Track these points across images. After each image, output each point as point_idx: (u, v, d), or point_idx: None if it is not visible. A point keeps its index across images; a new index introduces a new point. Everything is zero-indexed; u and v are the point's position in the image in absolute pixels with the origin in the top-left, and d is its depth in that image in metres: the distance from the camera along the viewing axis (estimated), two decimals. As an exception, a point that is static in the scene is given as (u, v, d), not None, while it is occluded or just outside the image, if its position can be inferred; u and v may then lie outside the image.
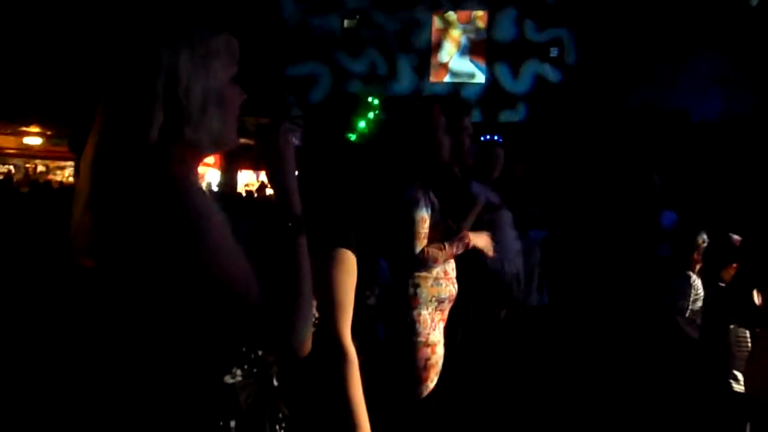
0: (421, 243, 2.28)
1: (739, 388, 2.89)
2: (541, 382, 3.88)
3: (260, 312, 1.01)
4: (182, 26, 1.08)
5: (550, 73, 12.15)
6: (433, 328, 2.30)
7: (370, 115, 1.69)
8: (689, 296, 3.50)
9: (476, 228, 2.68)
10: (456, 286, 2.40)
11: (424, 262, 2.28)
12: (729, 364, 2.92)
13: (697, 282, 3.55)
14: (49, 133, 13.82)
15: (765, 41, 9.56)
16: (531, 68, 12.22)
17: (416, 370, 2.26)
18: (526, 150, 8.33)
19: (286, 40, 12.22)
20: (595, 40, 11.31)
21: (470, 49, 12.67)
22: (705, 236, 3.71)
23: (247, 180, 13.91)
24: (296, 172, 1.18)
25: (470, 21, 12.68)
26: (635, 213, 3.82)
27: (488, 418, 3.35)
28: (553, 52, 12.06)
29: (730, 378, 2.93)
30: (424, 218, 2.28)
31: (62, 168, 14.43)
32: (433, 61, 12.72)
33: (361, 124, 1.74)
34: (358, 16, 12.47)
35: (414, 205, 2.27)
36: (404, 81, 12.42)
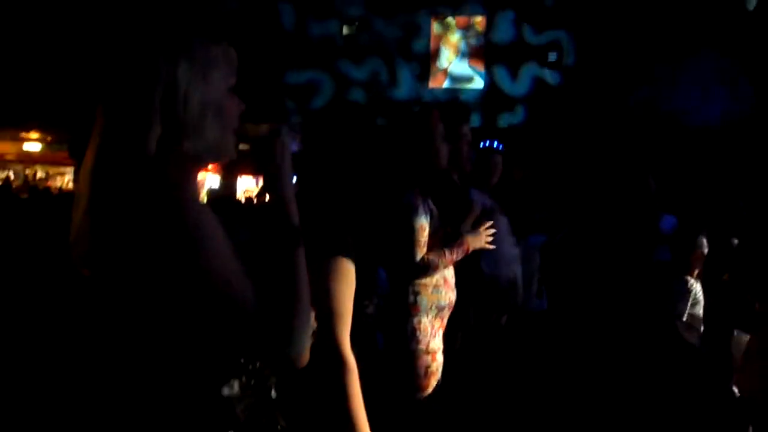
0: (421, 251, 2.28)
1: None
2: (539, 387, 3.88)
3: (258, 323, 1.01)
4: (181, 37, 1.09)
5: (549, 77, 12.17)
6: (433, 336, 2.30)
7: (367, 122, 1.70)
8: (687, 300, 3.51)
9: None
10: (455, 292, 2.40)
11: (425, 270, 2.28)
12: (733, 369, 2.92)
13: (695, 286, 3.56)
14: (49, 138, 13.84)
15: (764, 42, 9.58)
16: (530, 71, 12.24)
17: (417, 378, 2.26)
18: (525, 154, 8.34)
19: (285, 46, 12.24)
20: (594, 42, 11.33)
21: (469, 54, 12.69)
22: (704, 240, 3.72)
23: (247, 186, 13.91)
24: (294, 180, 1.19)
25: (469, 26, 12.71)
26: (630, 217, 3.83)
27: (487, 423, 3.34)
28: (552, 57, 12.07)
29: (734, 384, 2.93)
30: (423, 226, 2.28)
31: (62, 174, 14.44)
32: (432, 67, 12.75)
33: (358, 133, 1.74)
34: (357, 23, 12.50)
35: (413, 213, 2.27)
36: (403, 87, 12.44)
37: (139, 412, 1.02)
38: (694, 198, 6.44)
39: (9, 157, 14.34)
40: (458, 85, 12.69)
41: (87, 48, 9.75)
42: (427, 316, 2.29)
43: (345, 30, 12.51)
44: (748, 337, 2.87)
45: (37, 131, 13.66)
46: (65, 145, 12.60)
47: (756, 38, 9.73)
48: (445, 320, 2.38)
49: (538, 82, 12.19)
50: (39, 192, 10.68)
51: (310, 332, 1.07)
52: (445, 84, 12.77)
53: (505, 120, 12.10)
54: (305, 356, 1.05)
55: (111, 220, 1.00)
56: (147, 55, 1.06)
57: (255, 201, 10.83)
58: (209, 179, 13.36)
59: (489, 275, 3.17)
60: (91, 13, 10.43)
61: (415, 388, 2.26)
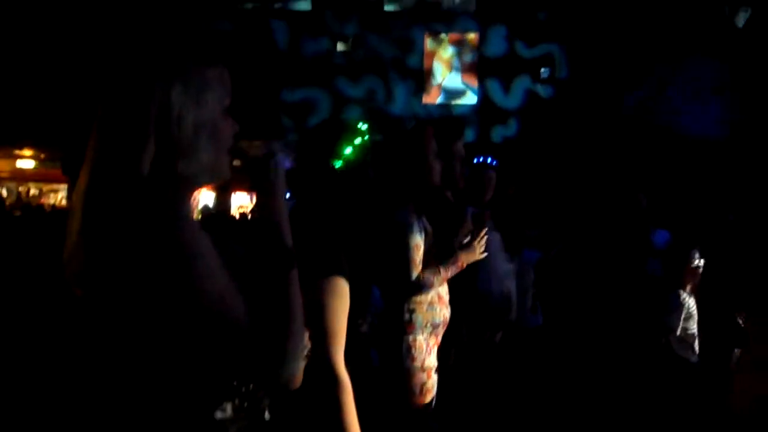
0: (417, 269, 2.28)
1: None
2: (534, 403, 3.87)
3: (251, 344, 1.01)
4: (175, 58, 1.09)
5: (542, 90, 12.26)
6: (428, 353, 2.29)
7: (357, 140, 1.69)
8: (680, 314, 3.53)
9: None
10: (449, 309, 2.40)
11: (420, 288, 2.29)
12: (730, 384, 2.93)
13: (688, 300, 3.57)
14: (42, 156, 13.81)
15: (756, 54, 9.67)
16: (522, 84, 12.33)
17: (412, 396, 2.25)
18: (519, 169, 8.37)
19: (280, 64, 12.29)
20: (586, 54, 11.42)
21: (462, 70, 12.78)
22: (697, 254, 3.73)
23: (241, 202, 13.88)
24: (287, 197, 1.19)
25: (462, 42, 12.81)
26: (622, 233, 3.86)
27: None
28: (545, 74, 12.17)
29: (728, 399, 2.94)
30: (418, 245, 2.29)
31: (55, 191, 14.39)
32: (426, 83, 12.82)
33: (348, 151, 1.75)
34: (351, 39, 12.58)
35: (408, 232, 2.27)
36: (398, 103, 12.51)
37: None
38: (686, 211, 6.47)
39: (2, 175, 14.30)
40: (452, 101, 12.76)
41: (81, 66, 9.78)
42: (422, 333, 2.29)
43: (339, 47, 12.58)
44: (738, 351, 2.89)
45: (30, 148, 13.63)
46: (58, 162, 12.59)
47: (747, 50, 9.83)
48: (440, 337, 2.37)
49: (530, 95, 12.28)
50: (32, 209, 10.64)
51: (303, 354, 1.07)
52: (439, 99, 12.84)
53: (498, 133, 12.16)
54: (298, 378, 1.05)
55: (104, 240, 1.00)
56: (142, 76, 1.06)
57: (249, 217, 10.81)
58: (203, 195, 13.32)
59: (482, 291, 3.17)
60: (85, 32, 10.47)
61: (410, 406, 2.25)
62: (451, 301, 2.43)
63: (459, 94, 12.81)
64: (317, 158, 1.73)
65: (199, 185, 1.13)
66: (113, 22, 10.14)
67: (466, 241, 2.39)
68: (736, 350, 2.91)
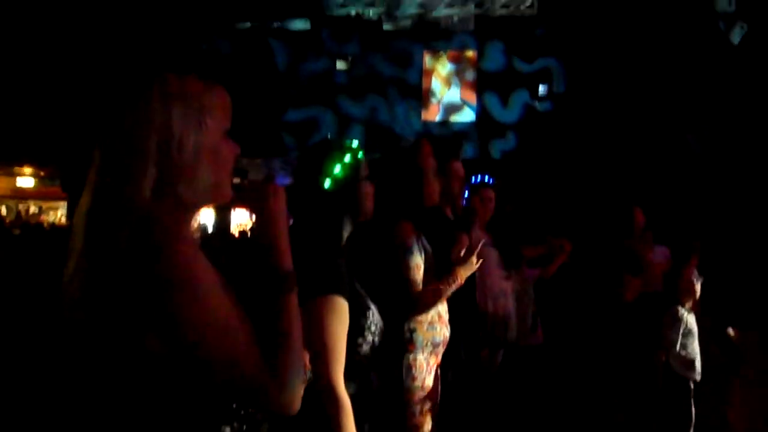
0: (417, 289, 2.29)
1: None
2: (534, 421, 3.85)
3: (252, 372, 1.00)
4: (176, 82, 1.10)
5: (539, 105, 12.32)
6: (428, 372, 2.29)
7: (347, 159, 1.70)
8: (679, 329, 3.53)
9: None
10: (449, 328, 2.40)
11: (421, 308, 2.29)
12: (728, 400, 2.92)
13: (686, 316, 3.58)
14: (42, 173, 13.83)
15: (750, 73, 9.71)
16: (520, 98, 12.39)
17: (413, 415, 2.24)
18: (517, 185, 8.38)
19: (281, 84, 12.36)
20: (584, 68, 11.48)
21: (461, 86, 12.85)
22: (695, 270, 3.74)
23: (241, 220, 13.85)
24: (286, 217, 1.19)
25: (460, 59, 12.90)
26: (617, 249, 3.89)
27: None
28: (542, 90, 12.24)
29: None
30: (418, 265, 2.29)
31: (55, 209, 14.39)
32: (425, 100, 12.89)
33: (336, 169, 1.76)
34: (350, 58, 12.65)
35: (407, 252, 2.28)
36: (397, 120, 12.56)
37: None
38: (685, 227, 6.47)
39: (2, 192, 14.31)
40: (451, 117, 12.82)
41: (80, 84, 9.83)
42: (423, 353, 2.28)
43: (339, 65, 12.65)
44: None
45: (30, 166, 13.66)
46: (58, 180, 12.61)
47: (742, 69, 9.89)
48: (440, 357, 2.37)
49: (528, 109, 12.34)
50: (31, 227, 10.62)
51: (301, 380, 1.07)
52: (438, 116, 12.90)
53: (497, 147, 12.20)
54: (297, 404, 1.04)
55: (105, 264, 1.00)
56: (142, 101, 1.07)
57: (249, 236, 10.77)
58: (203, 213, 13.30)
59: (479, 310, 3.16)
60: (85, 51, 10.53)
61: (411, 424, 2.24)
62: (450, 320, 2.43)
63: (457, 110, 12.88)
64: (307, 178, 1.74)
65: (200, 207, 1.13)
66: (113, 42, 10.22)
67: (462, 254, 2.39)
68: (731, 366, 2.91)
